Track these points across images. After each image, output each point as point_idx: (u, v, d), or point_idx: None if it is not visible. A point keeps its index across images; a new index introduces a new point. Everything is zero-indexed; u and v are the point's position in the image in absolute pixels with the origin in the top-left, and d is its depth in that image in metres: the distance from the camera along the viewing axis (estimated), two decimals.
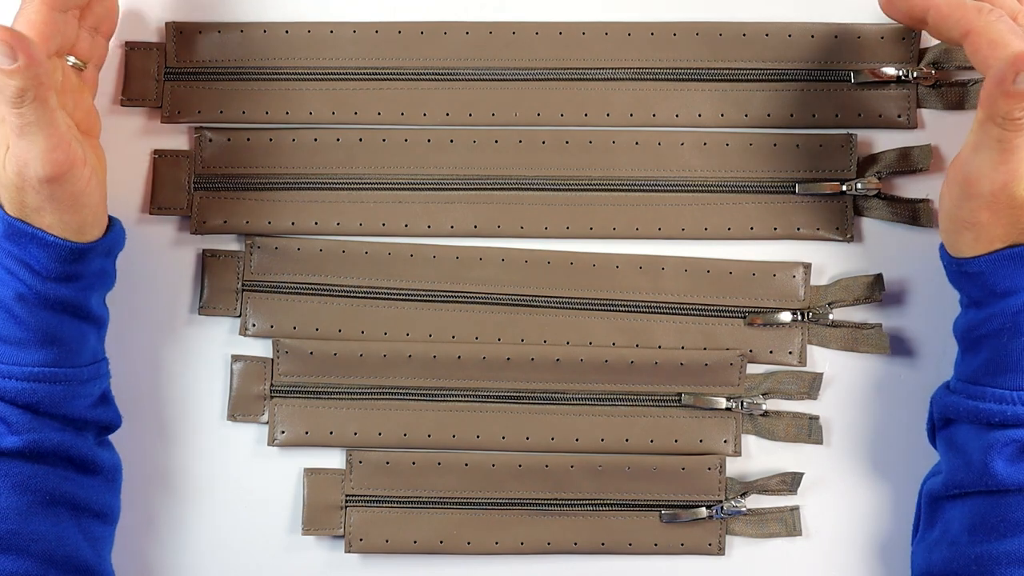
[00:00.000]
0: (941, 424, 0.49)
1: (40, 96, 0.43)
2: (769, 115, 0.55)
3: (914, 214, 0.54)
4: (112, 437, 0.52)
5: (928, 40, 0.54)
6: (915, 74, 0.53)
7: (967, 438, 0.47)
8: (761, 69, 0.55)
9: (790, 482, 0.53)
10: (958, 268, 0.47)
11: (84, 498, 0.48)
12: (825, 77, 0.54)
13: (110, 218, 0.50)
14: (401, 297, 0.54)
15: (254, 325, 0.54)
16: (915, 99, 0.54)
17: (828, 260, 0.55)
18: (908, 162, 0.53)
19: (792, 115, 0.55)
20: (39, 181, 0.44)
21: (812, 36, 0.54)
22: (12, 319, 0.46)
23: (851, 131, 0.54)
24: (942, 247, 0.49)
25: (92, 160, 0.47)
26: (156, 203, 0.55)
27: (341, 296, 0.54)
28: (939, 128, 0.54)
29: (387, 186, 0.55)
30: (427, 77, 0.55)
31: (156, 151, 0.55)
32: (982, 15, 0.45)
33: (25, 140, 0.43)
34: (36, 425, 0.46)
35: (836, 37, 0.54)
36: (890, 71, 0.54)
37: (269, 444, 0.54)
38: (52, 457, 0.47)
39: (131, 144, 0.56)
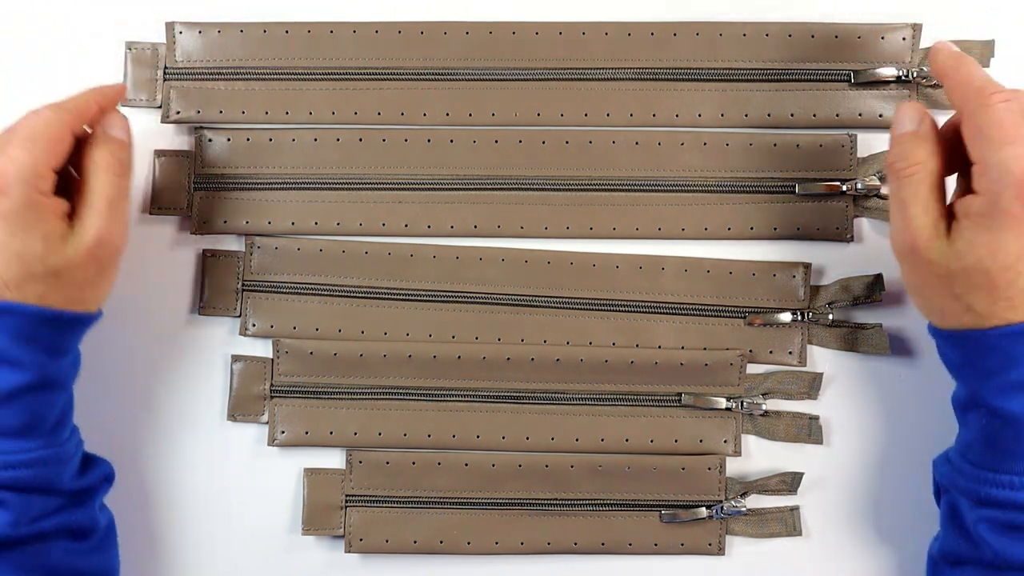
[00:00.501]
0: (942, 489, 0.48)
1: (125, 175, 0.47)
2: (769, 115, 0.55)
3: None
4: (112, 437, 0.52)
5: (929, 40, 0.54)
6: (915, 74, 0.53)
7: (966, 509, 0.45)
8: (761, 69, 0.55)
9: (790, 482, 0.53)
10: (952, 341, 0.45)
11: (86, 565, 0.47)
12: (825, 77, 0.54)
13: None
14: (401, 297, 0.54)
15: (254, 325, 0.54)
16: (915, 99, 0.54)
17: (828, 260, 0.55)
18: None
19: (792, 115, 0.54)
20: (90, 251, 0.45)
21: (812, 36, 0.54)
22: (11, 408, 0.44)
23: (851, 131, 0.54)
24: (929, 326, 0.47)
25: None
26: (156, 203, 0.55)
27: (341, 296, 0.54)
28: None
29: (387, 186, 0.55)
30: (427, 77, 0.55)
31: (157, 151, 0.55)
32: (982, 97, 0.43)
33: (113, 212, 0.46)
34: (35, 507, 0.44)
35: (836, 37, 0.54)
36: (890, 71, 0.54)
37: (269, 444, 0.54)
38: (54, 535, 0.45)
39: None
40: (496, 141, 0.55)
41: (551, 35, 0.55)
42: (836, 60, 0.54)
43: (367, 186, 0.55)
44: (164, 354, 0.55)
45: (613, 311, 0.54)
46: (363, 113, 0.55)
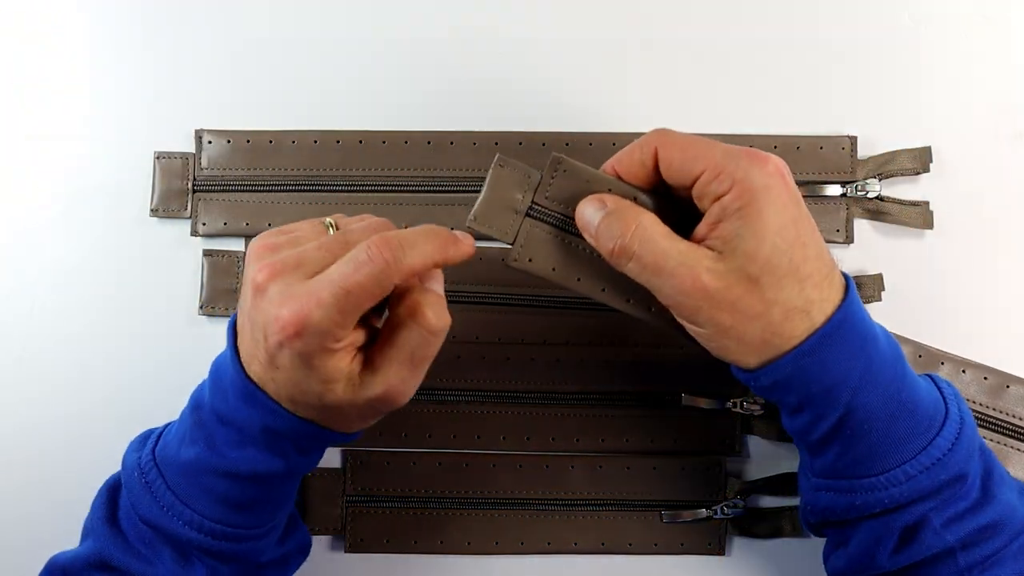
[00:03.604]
0: (817, 521, 0.46)
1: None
2: None
3: (913, 216, 0.54)
4: (112, 438, 0.52)
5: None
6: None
7: (852, 533, 0.44)
8: None
9: (790, 482, 0.53)
10: (754, 384, 0.43)
11: None
12: None
13: None
14: None
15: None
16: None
17: None
18: (908, 164, 0.54)
19: None
20: (371, 401, 0.41)
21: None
22: (230, 485, 0.43)
23: (851, 133, 0.55)
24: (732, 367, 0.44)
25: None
26: (157, 205, 0.55)
27: None
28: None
29: (387, 188, 0.55)
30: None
31: (158, 153, 0.56)
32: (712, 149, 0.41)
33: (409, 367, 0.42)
34: (224, 571, 0.45)
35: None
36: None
37: None
38: None
39: (133, 147, 0.56)
40: (496, 143, 0.55)
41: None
42: None
43: (367, 188, 0.55)
44: (165, 354, 0.55)
45: (613, 311, 0.54)
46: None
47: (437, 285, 0.43)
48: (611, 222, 0.42)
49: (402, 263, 0.39)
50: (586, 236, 0.43)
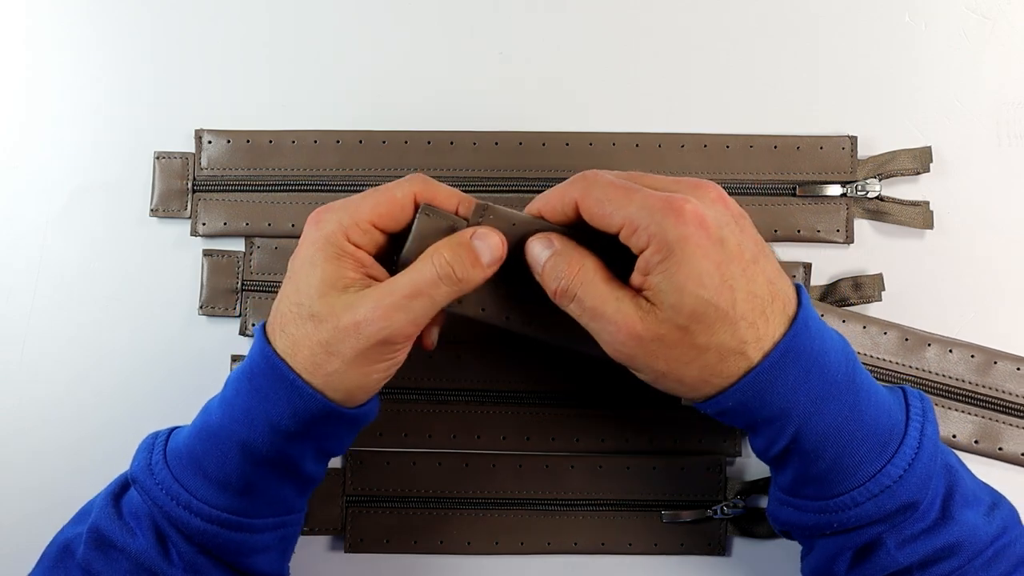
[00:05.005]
0: (780, 529, 0.47)
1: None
2: None
3: (913, 216, 0.54)
4: (111, 437, 0.52)
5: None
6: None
7: (813, 544, 0.45)
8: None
9: None
10: (703, 410, 0.44)
11: None
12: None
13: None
14: None
15: (254, 325, 0.54)
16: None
17: (828, 261, 0.55)
18: (908, 164, 0.54)
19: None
20: (376, 338, 0.41)
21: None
22: (221, 457, 0.43)
23: (851, 133, 0.55)
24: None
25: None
26: (157, 205, 0.55)
27: None
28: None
29: None
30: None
31: (158, 153, 0.56)
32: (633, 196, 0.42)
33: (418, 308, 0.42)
34: (204, 566, 0.44)
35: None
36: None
37: None
38: None
39: (133, 147, 0.56)
40: (496, 143, 0.55)
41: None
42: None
43: (367, 187, 0.55)
44: (165, 354, 0.55)
45: None
46: None
47: (483, 246, 0.43)
48: (557, 262, 0.43)
49: (438, 186, 0.45)
50: (533, 273, 0.44)
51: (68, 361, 0.55)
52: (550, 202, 0.44)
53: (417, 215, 0.44)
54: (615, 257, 0.43)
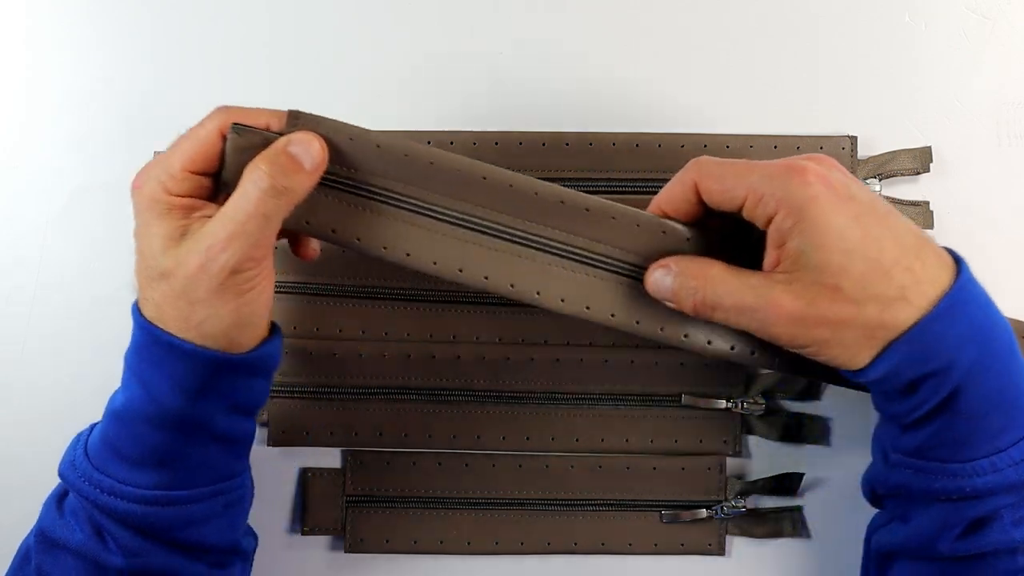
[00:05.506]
0: (885, 493, 0.46)
1: (295, 200, 0.43)
2: None
3: (913, 216, 0.54)
4: None
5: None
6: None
7: (917, 511, 0.43)
8: None
9: (790, 482, 0.53)
10: (864, 379, 0.42)
11: None
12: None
13: (271, 334, 0.46)
14: (401, 297, 0.54)
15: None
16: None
17: None
18: (908, 164, 0.54)
19: None
20: (224, 271, 0.41)
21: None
22: (132, 436, 0.43)
23: (851, 133, 0.55)
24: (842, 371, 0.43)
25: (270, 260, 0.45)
26: None
27: (341, 296, 0.54)
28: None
29: None
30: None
31: (157, 153, 0.55)
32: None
33: (246, 229, 0.42)
34: (143, 548, 0.44)
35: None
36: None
37: (269, 444, 0.54)
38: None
39: (133, 147, 0.56)
40: (496, 143, 0.55)
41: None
42: None
43: None
44: None
45: None
46: None
47: (299, 150, 0.43)
48: (683, 281, 0.43)
49: (238, 108, 0.45)
50: (667, 304, 0.44)
51: (68, 360, 0.55)
52: (670, 192, 0.44)
53: (228, 136, 0.44)
54: (736, 255, 0.42)
